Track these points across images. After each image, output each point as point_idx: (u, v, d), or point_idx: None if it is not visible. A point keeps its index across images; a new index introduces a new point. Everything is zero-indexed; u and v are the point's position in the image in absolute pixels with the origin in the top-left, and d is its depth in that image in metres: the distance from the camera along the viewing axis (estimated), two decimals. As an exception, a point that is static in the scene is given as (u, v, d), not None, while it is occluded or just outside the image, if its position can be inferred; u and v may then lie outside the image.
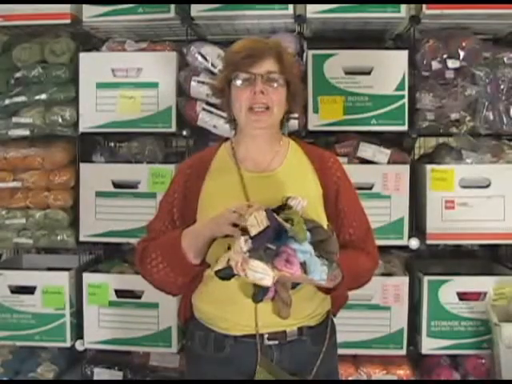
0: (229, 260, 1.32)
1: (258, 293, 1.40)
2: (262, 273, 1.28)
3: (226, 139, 1.68)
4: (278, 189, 1.52)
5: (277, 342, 1.52)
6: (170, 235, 1.54)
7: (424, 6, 2.30)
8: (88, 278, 2.51)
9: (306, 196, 1.50)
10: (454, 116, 2.38)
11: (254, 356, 1.50)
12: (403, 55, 2.38)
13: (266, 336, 1.51)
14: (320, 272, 1.32)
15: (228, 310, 1.51)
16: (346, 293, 1.71)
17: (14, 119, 2.53)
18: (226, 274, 1.34)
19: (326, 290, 1.51)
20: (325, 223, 1.52)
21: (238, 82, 1.51)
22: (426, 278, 2.38)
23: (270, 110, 1.51)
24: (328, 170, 1.60)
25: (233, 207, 1.37)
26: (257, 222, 1.28)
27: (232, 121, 1.61)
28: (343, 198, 1.59)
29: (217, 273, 1.36)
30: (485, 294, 2.37)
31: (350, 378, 2.43)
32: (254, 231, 1.28)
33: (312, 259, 1.32)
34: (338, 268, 1.40)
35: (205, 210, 1.54)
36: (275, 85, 1.51)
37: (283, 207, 1.37)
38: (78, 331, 2.54)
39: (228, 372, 1.53)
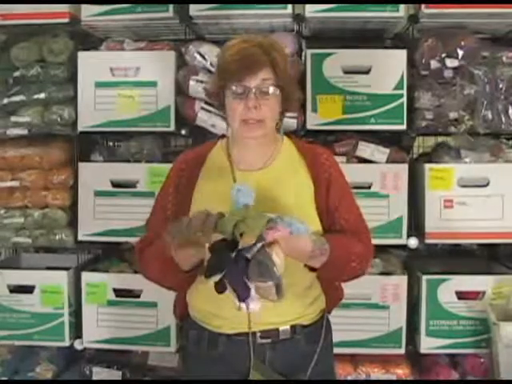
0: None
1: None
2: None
3: (223, 136, 1.68)
4: (270, 187, 1.52)
5: (269, 341, 1.51)
6: (163, 246, 1.49)
7: (423, 5, 2.29)
8: (87, 277, 2.51)
9: (298, 193, 1.53)
10: (452, 115, 2.38)
11: (247, 355, 1.50)
12: (402, 54, 2.37)
13: (259, 334, 1.51)
14: (300, 224, 1.32)
15: (221, 308, 1.51)
16: (341, 289, 1.70)
17: (13, 118, 2.52)
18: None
19: (314, 268, 1.51)
20: (315, 221, 1.54)
21: (232, 93, 1.48)
22: (424, 277, 2.38)
23: (262, 123, 1.49)
24: (320, 166, 1.59)
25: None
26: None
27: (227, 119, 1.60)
28: (333, 193, 1.57)
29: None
30: (483, 293, 2.37)
31: (348, 378, 2.43)
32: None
33: (285, 218, 1.32)
34: (327, 243, 1.44)
35: (197, 209, 1.53)
36: (269, 96, 1.48)
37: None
38: (77, 330, 2.53)
39: (221, 370, 1.53)
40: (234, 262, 1.28)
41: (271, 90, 1.48)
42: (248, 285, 1.28)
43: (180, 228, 1.34)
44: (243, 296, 1.29)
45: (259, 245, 1.28)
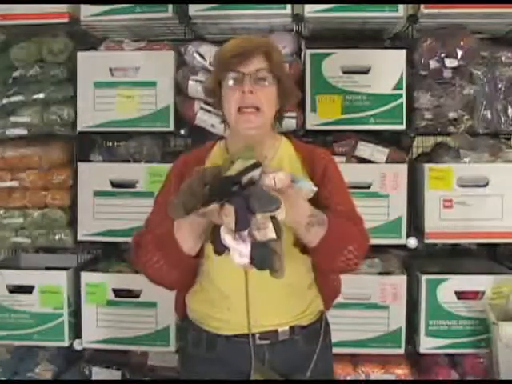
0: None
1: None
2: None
3: (221, 138, 1.68)
4: None
5: (268, 342, 1.51)
6: (164, 228, 1.51)
7: (422, 5, 2.29)
8: (86, 277, 2.51)
9: None
10: (451, 115, 2.38)
11: (246, 356, 1.51)
12: (401, 54, 2.37)
13: (258, 336, 1.51)
14: (306, 181, 1.35)
15: (220, 310, 1.51)
16: (338, 284, 1.68)
17: (12, 118, 2.52)
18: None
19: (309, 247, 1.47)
20: None
21: (228, 82, 1.50)
22: (424, 277, 2.38)
23: (259, 111, 1.49)
24: (317, 162, 1.58)
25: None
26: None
27: (225, 120, 1.61)
28: (327, 183, 1.55)
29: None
30: (483, 292, 2.37)
31: (348, 378, 2.43)
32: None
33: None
34: (326, 217, 1.42)
35: None
36: (265, 83, 1.50)
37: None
38: (76, 330, 2.53)
39: (220, 372, 1.53)
40: (235, 194, 1.26)
41: (266, 76, 1.50)
42: (248, 217, 1.26)
43: (183, 194, 1.32)
44: (244, 225, 1.26)
45: (257, 170, 1.27)
